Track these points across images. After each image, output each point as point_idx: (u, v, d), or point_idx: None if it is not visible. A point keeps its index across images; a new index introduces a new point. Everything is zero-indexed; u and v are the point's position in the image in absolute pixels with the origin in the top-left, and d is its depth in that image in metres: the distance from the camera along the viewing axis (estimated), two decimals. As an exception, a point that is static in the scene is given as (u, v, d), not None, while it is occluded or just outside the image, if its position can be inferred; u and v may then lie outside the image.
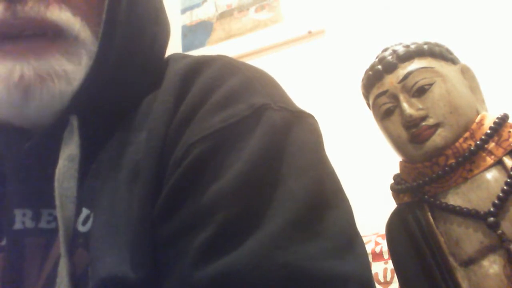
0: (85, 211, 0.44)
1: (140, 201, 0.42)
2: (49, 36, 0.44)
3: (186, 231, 0.39)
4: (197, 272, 0.37)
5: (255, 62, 1.38)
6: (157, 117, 0.44)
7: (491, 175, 0.74)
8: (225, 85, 0.45)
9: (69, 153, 0.44)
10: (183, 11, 1.93)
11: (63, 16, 0.44)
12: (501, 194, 0.71)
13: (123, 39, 0.47)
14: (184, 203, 0.40)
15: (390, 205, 0.86)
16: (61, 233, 0.41)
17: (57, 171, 0.43)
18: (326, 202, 0.42)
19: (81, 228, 0.44)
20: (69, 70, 0.44)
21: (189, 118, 0.43)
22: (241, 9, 1.80)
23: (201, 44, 1.84)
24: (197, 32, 1.87)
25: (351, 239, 0.41)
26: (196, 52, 1.76)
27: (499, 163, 0.74)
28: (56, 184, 0.42)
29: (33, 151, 0.46)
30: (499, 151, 0.75)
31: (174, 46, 1.80)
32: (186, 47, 1.86)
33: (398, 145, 0.82)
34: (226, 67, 0.47)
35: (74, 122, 0.45)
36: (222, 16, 1.83)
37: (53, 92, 0.44)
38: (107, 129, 0.48)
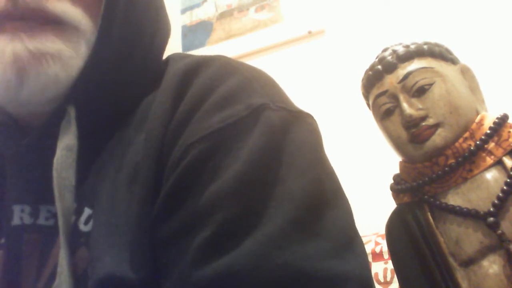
0: (87, 211, 0.44)
1: (140, 202, 0.42)
2: (49, 25, 0.44)
3: (185, 232, 0.39)
4: (197, 272, 0.37)
5: (255, 62, 1.38)
6: (156, 117, 0.44)
7: (491, 175, 0.74)
8: (223, 85, 0.44)
9: (67, 143, 0.43)
10: (183, 11, 1.93)
11: (62, 6, 0.44)
12: (501, 194, 0.71)
13: (121, 35, 0.47)
14: (183, 204, 0.40)
15: (390, 205, 0.86)
16: (60, 224, 0.41)
17: (55, 161, 0.43)
18: (325, 202, 0.42)
19: (83, 228, 0.44)
20: (64, 53, 0.44)
21: (188, 119, 0.43)
22: (241, 9, 1.80)
23: (201, 44, 1.84)
24: (197, 32, 1.87)
25: (350, 239, 0.41)
26: (196, 52, 1.76)
27: (499, 163, 0.74)
28: (54, 174, 0.42)
29: (32, 146, 0.46)
30: (499, 151, 0.75)
31: (174, 46, 1.81)
32: (186, 47, 1.86)
33: (398, 145, 0.82)
34: (225, 68, 0.47)
35: (72, 112, 0.45)
36: (222, 16, 1.83)
37: (48, 74, 0.43)
38: (106, 126, 0.48)
